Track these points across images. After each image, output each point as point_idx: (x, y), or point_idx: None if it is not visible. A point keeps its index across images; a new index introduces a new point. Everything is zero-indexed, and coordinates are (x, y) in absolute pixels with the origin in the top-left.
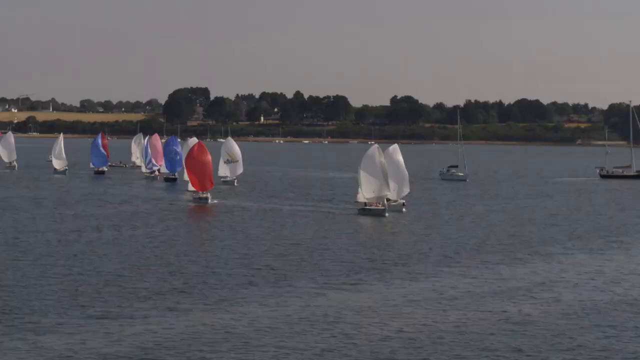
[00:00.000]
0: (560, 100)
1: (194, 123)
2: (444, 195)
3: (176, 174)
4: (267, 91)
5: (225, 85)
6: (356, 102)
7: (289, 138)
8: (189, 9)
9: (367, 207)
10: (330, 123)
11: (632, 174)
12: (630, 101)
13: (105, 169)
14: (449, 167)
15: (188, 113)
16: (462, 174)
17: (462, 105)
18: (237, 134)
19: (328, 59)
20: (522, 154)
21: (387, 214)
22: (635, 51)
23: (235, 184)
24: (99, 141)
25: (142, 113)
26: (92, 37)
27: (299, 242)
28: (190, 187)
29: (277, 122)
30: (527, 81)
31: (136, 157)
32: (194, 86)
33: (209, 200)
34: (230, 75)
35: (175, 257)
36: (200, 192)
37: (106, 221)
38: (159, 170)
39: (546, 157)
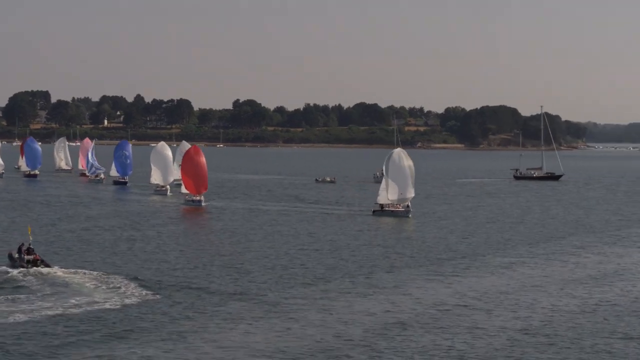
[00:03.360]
0: (397, 104)
1: (37, 126)
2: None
3: (126, 177)
4: (107, 94)
5: (66, 89)
6: (199, 105)
7: (133, 141)
8: (26, 12)
9: (387, 208)
10: (174, 126)
11: (542, 175)
12: (541, 106)
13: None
14: (382, 170)
15: (30, 116)
16: None
17: (302, 108)
18: (83, 138)
19: (169, 63)
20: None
21: (410, 215)
22: (467, 56)
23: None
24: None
25: None
26: None
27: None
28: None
29: (120, 125)
30: (365, 85)
31: (60, 160)
32: (34, 89)
33: (202, 203)
34: (70, 79)
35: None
36: (194, 195)
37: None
38: (103, 173)
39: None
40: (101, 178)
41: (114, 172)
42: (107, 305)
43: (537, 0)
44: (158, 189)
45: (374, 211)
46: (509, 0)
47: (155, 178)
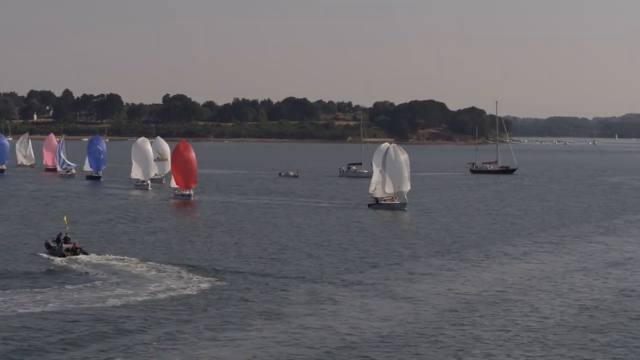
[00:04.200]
0: (325, 99)
1: None
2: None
3: (100, 172)
4: (35, 89)
5: None
6: (129, 100)
7: (64, 136)
8: None
9: (383, 201)
10: (104, 121)
11: (497, 168)
12: (496, 102)
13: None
14: (349, 164)
15: None
16: (366, 171)
17: (231, 103)
18: (14, 132)
19: (98, 58)
20: (340, 152)
21: (406, 208)
22: (394, 51)
23: (163, 182)
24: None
25: None
26: None
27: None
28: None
29: (50, 120)
30: (294, 80)
31: (23, 156)
32: None
33: (192, 197)
34: None
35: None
36: (183, 189)
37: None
38: (74, 169)
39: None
40: (72, 173)
41: (87, 167)
42: (187, 291)
43: None
44: (139, 183)
45: (369, 205)
46: None
47: (136, 173)
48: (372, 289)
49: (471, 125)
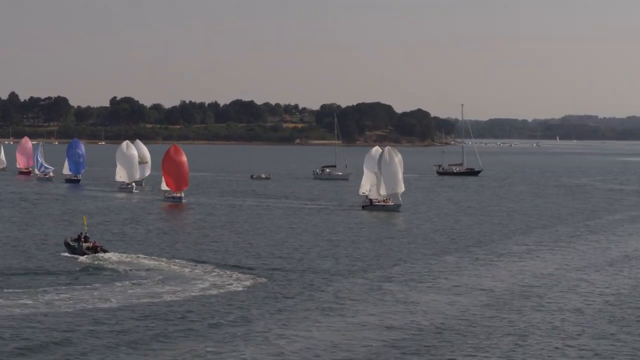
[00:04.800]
0: (272, 101)
1: None
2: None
3: (79, 175)
4: None
5: None
6: (76, 103)
7: (12, 139)
8: None
9: (377, 203)
10: (52, 124)
11: (463, 170)
12: (462, 105)
13: None
14: (323, 167)
15: None
16: (341, 173)
17: (178, 106)
18: None
19: (44, 61)
20: (296, 153)
21: (400, 210)
22: (341, 53)
23: (143, 184)
24: None
25: None
26: None
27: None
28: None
29: None
30: (241, 82)
31: None
32: None
33: (183, 200)
34: None
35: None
36: (174, 191)
37: None
38: (52, 172)
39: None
40: (50, 176)
41: (65, 171)
42: (233, 288)
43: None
44: (123, 186)
45: (363, 206)
46: None
47: (121, 176)
48: (408, 282)
49: (418, 127)
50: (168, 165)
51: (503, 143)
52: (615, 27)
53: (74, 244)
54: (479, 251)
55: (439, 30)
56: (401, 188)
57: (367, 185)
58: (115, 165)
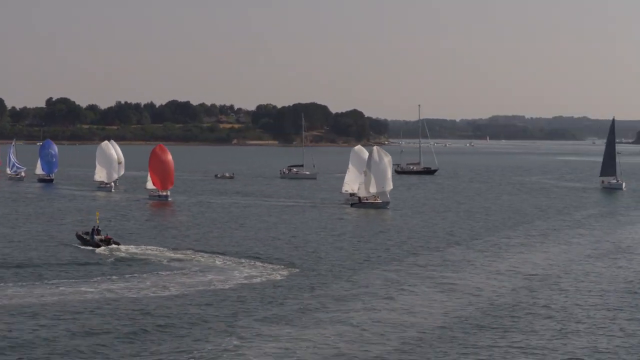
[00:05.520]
0: (208, 102)
1: None
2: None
3: (52, 175)
4: None
5: None
6: (12, 103)
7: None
8: None
9: (366, 200)
10: None
11: (420, 169)
12: (419, 105)
13: None
14: (289, 166)
15: None
16: (308, 173)
17: (114, 106)
18: None
19: None
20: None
21: (388, 207)
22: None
23: (117, 183)
24: None
25: None
26: None
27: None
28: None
29: None
30: (176, 83)
31: None
32: None
33: (169, 198)
34: None
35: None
36: (160, 190)
37: None
38: (24, 171)
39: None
40: (22, 176)
41: (38, 170)
42: (273, 277)
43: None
44: (102, 185)
45: (352, 204)
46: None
47: (100, 175)
48: (430, 274)
49: (354, 127)
50: (154, 165)
51: (437, 143)
52: (540, 27)
53: (86, 237)
54: (479, 244)
55: (370, 32)
56: (389, 186)
57: (351, 184)
58: (94, 166)
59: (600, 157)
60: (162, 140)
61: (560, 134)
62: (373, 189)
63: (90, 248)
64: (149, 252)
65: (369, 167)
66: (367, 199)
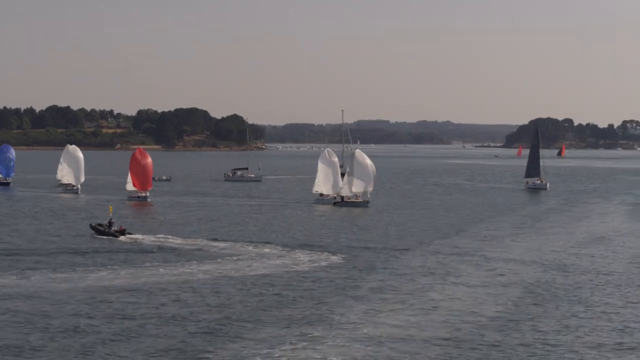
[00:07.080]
0: (88, 107)
1: None
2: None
3: (9, 178)
4: None
5: None
6: None
7: None
8: None
9: (347, 200)
10: None
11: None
12: (342, 111)
13: None
14: (234, 169)
15: None
16: (253, 175)
17: None
18: None
19: None
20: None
21: (369, 205)
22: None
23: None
24: None
25: None
26: None
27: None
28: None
29: None
30: (55, 88)
31: None
32: None
33: (148, 199)
34: None
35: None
36: (140, 191)
37: None
38: None
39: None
40: None
41: None
42: (324, 263)
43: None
44: (68, 188)
45: (334, 203)
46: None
47: (68, 178)
48: (470, 260)
49: (235, 132)
50: (135, 168)
51: (315, 147)
52: (394, 31)
53: (101, 228)
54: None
55: (249, 36)
56: (371, 186)
57: (321, 184)
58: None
59: (485, 160)
60: (45, 145)
61: (428, 138)
62: (356, 189)
63: (108, 238)
64: (172, 241)
65: (352, 169)
66: (348, 198)
